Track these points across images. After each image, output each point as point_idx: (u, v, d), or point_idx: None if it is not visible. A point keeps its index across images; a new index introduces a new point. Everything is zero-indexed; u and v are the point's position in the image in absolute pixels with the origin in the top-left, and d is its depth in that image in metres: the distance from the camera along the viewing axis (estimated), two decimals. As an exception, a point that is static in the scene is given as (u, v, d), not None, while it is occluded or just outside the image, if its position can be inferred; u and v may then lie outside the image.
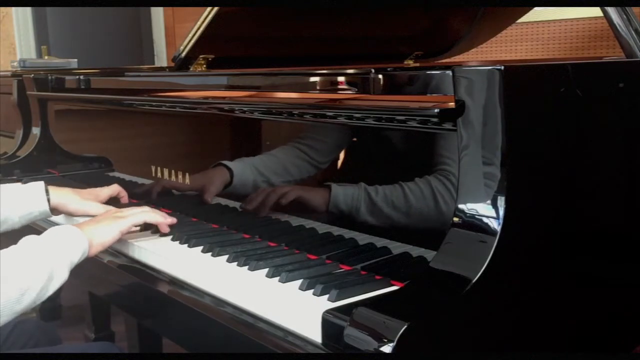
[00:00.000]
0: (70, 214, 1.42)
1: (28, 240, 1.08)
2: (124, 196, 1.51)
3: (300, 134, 1.19)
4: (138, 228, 1.30)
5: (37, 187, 1.36)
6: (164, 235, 1.28)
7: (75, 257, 1.10)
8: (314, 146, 1.16)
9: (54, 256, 1.06)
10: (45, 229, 1.12)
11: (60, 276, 1.06)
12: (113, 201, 1.50)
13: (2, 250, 1.03)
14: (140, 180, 1.61)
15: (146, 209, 1.28)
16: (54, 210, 1.38)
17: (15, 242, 1.08)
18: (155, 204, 1.50)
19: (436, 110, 0.87)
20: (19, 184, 1.38)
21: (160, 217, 1.26)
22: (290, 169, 1.21)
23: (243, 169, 1.30)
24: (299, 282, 0.98)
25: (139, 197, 1.58)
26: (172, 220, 1.29)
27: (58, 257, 1.06)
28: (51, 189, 1.38)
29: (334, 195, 1.10)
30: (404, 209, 1.00)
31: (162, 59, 3.75)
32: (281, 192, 1.20)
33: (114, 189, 1.49)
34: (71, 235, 1.11)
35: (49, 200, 1.35)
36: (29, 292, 1.01)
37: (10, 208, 1.32)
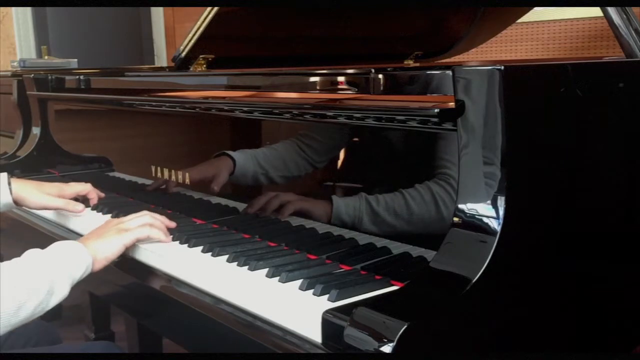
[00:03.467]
0: (29, 207, 1.45)
1: (31, 253, 1.08)
2: (93, 198, 1.51)
3: (301, 131, 1.19)
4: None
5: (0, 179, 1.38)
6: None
7: (78, 274, 1.09)
8: (312, 145, 1.17)
9: (56, 271, 1.06)
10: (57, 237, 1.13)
11: (61, 292, 1.06)
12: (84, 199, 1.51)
13: (4, 263, 1.03)
14: (140, 180, 1.61)
15: (148, 219, 1.24)
16: (17, 203, 1.40)
17: (14, 250, 1.08)
18: (156, 204, 1.50)
19: (436, 110, 0.87)
20: None
21: (162, 234, 1.23)
22: (289, 164, 1.21)
23: (245, 159, 1.30)
24: (299, 282, 0.97)
25: (142, 198, 1.58)
26: (171, 224, 1.28)
27: (59, 273, 1.06)
28: (14, 181, 1.40)
29: (336, 209, 1.11)
30: (405, 217, 1.01)
31: (162, 59, 3.75)
32: (283, 201, 1.20)
33: (83, 188, 1.49)
34: (75, 252, 1.10)
35: (11, 192, 1.38)
36: (27, 306, 1.00)
37: None
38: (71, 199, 1.46)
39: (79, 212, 1.44)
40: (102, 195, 1.54)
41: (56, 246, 1.11)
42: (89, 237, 1.18)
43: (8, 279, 1.00)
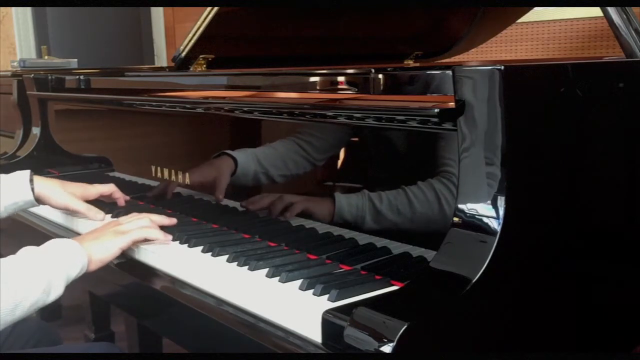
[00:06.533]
0: (52, 206, 1.41)
1: (27, 251, 1.07)
2: (120, 198, 1.49)
3: (299, 129, 1.19)
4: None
5: (21, 176, 1.35)
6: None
7: (74, 273, 1.08)
8: (312, 142, 1.16)
9: (52, 270, 1.05)
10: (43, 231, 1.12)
11: (56, 291, 1.05)
12: (110, 201, 1.50)
13: (0, 260, 1.03)
14: (140, 180, 1.61)
15: (146, 222, 1.24)
16: (39, 200, 1.37)
17: (14, 251, 1.07)
18: (156, 204, 1.50)
19: (436, 110, 0.87)
20: (3, 175, 1.36)
21: (160, 233, 1.23)
22: (288, 163, 1.21)
23: (246, 158, 1.29)
24: (299, 282, 0.98)
25: (145, 198, 1.57)
26: (171, 222, 1.28)
27: (56, 272, 1.05)
28: (37, 179, 1.37)
29: (339, 207, 1.10)
30: (408, 215, 1.00)
31: (162, 59, 3.75)
32: (287, 203, 1.20)
33: (107, 188, 1.47)
34: (71, 251, 1.10)
35: (33, 189, 1.35)
36: (23, 304, 1.00)
37: None
38: (96, 199, 1.44)
39: (98, 220, 1.39)
40: (127, 198, 1.51)
41: (52, 244, 1.10)
42: (86, 238, 1.17)
43: (4, 277, 0.99)
